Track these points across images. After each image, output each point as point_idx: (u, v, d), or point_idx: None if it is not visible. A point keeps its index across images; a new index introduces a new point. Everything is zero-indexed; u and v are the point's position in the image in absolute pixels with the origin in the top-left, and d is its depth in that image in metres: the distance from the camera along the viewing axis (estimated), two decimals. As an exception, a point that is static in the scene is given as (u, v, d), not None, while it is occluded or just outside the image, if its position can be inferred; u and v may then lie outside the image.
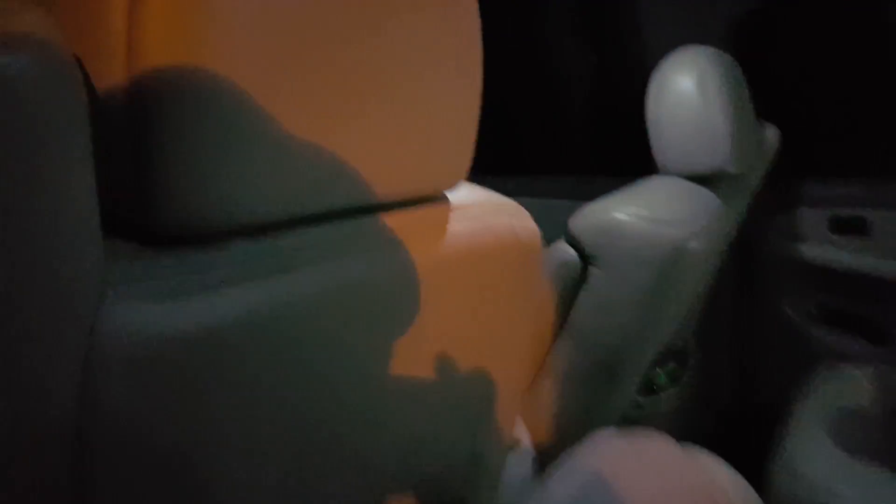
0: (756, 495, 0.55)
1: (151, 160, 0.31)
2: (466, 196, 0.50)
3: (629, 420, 1.05)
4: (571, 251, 0.99)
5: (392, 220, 0.42)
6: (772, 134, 1.22)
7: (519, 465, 0.81)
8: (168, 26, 0.30)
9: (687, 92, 1.00)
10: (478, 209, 0.49)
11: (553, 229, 1.55)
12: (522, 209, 0.54)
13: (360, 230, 0.40)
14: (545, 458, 0.81)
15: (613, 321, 0.96)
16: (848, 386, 1.10)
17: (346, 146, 0.37)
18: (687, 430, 1.01)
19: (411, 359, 0.43)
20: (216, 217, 0.33)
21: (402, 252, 0.41)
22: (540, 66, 1.65)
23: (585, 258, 0.98)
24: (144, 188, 0.31)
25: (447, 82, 0.42)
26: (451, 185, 0.46)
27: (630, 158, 1.32)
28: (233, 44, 0.31)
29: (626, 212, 0.95)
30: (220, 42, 0.31)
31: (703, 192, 1.03)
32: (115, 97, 0.31)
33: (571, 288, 0.99)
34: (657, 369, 1.10)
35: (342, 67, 0.35)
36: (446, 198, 0.48)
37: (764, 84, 1.18)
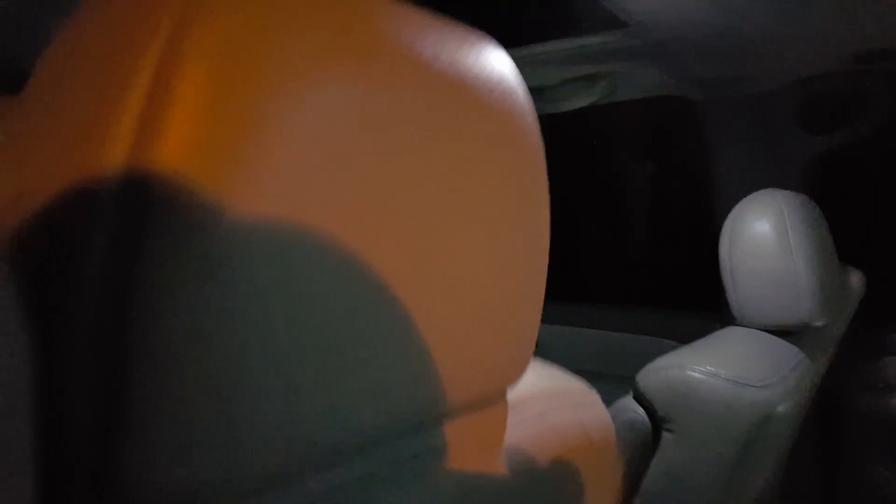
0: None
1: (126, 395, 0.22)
2: (524, 385, 0.43)
3: None
4: (640, 411, 0.89)
5: (438, 439, 0.34)
6: (856, 279, 1.13)
7: None
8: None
9: (765, 239, 0.92)
10: (540, 405, 0.41)
11: (608, 360, 1.45)
12: (591, 394, 0.47)
13: (403, 459, 0.32)
14: None
15: (690, 494, 0.84)
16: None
17: (382, 356, 0.30)
18: None
19: None
20: (223, 475, 0.24)
21: (449, 481, 0.33)
22: (604, 193, 1.61)
23: (656, 420, 0.87)
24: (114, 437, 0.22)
25: (512, 254, 0.35)
26: (513, 380, 0.39)
27: (690, 294, 1.24)
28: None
29: (702, 370, 0.85)
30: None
31: (786, 347, 0.94)
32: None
33: (641, 453, 0.88)
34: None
35: (383, 247, 0.29)
36: (504, 396, 0.41)
37: (845, 226, 1.10)
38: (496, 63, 0.36)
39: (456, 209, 0.31)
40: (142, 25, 0.23)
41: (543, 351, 1.69)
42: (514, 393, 0.41)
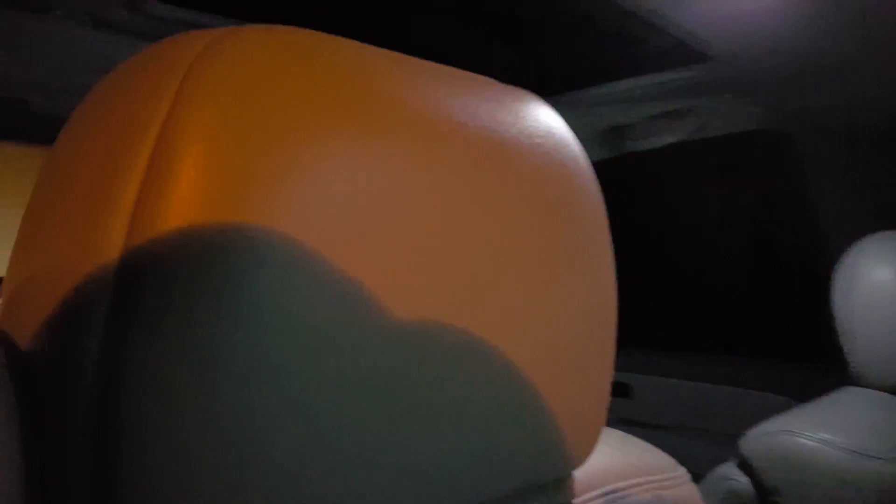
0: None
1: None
2: (596, 461, 0.38)
3: None
4: (744, 479, 0.81)
5: None
6: None
7: None
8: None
9: (888, 288, 0.83)
10: (615, 482, 0.37)
11: (709, 415, 1.34)
12: (676, 470, 0.42)
13: None
14: None
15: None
16: None
17: (436, 435, 0.27)
18: None
19: None
20: None
21: None
22: (700, 234, 1.53)
23: (763, 491, 0.79)
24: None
25: (573, 319, 0.32)
26: (580, 459, 0.35)
27: (795, 343, 1.13)
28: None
29: (816, 437, 0.76)
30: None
31: (914, 409, 0.83)
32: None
33: (747, 526, 0.80)
34: None
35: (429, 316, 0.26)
36: (569, 476, 0.36)
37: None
38: (542, 117, 0.33)
39: (505, 276, 0.28)
40: (141, 111, 0.23)
41: (638, 403, 1.60)
42: (584, 470, 0.37)
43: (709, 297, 1.55)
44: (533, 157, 0.30)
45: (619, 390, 1.68)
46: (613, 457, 0.40)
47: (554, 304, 0.30)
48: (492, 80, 0.33)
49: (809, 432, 0.77)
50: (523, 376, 0.29)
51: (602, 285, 0.34)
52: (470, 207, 0.27)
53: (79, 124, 0.26)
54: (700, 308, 1.57)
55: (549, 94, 1.31)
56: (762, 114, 1.22)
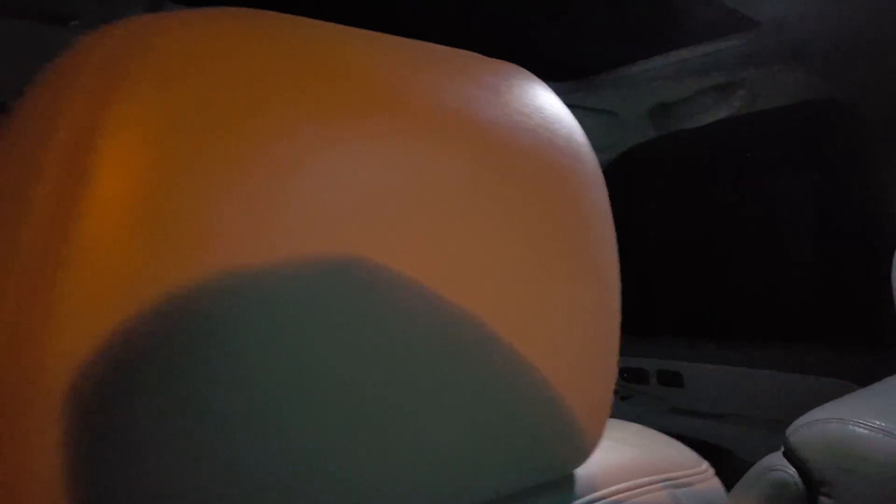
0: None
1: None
2: (608, 457, 0.36)
3: None
4: (791, 471, 0.76)
5: None
6: None
7: None
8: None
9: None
10: (626, 481, 0.34)
11: (762, 402, 1.28)
12: (699, 467, 0.39)
13: None
14: None
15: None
16: None
17: (431, 432, 0.25)
18: None
19: None
20: None
21: None
22: (753, 214, 1.46)
23: (812, 483, 0.74)
24: None
25: (570, 311, 0.29)
26: (581, 460, 0.32)
27: (856, 326, 1.06)
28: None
29: (870, 425, 0.71)
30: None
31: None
32: None
33: (794, 521, 0.75)
34: None
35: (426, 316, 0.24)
36: (571, 477, 0.34)
37: None
38: (536, 94, 0.31)
39: (503, 272, 0.26)
40: (55, 116, 0.20)
41: (690, 392, 1.54)
42: (597, 467, 0.34)
43: (765, 280, 1.47)
44: (528, 139, 0.28)
45: (670, 379, 1.62)
46: (630, 453, 0.38)
47: (555, 299, 0.28)
48: (476, 55, 0.31)
49: (863, 420, 0.71)
50: (521, 373, 0.27)
51: (605, 278, 0.31)
52: (465, 199, 0.25)
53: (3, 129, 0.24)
54: (755, 292, 1.50)
55: (593, 71, 1.27)
56: (819, 83, 1.14)
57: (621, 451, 0.37)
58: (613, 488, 0.34)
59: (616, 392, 1.49)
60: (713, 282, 1.61)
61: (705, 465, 0.40)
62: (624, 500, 0.33)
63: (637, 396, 1.70)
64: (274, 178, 0.20)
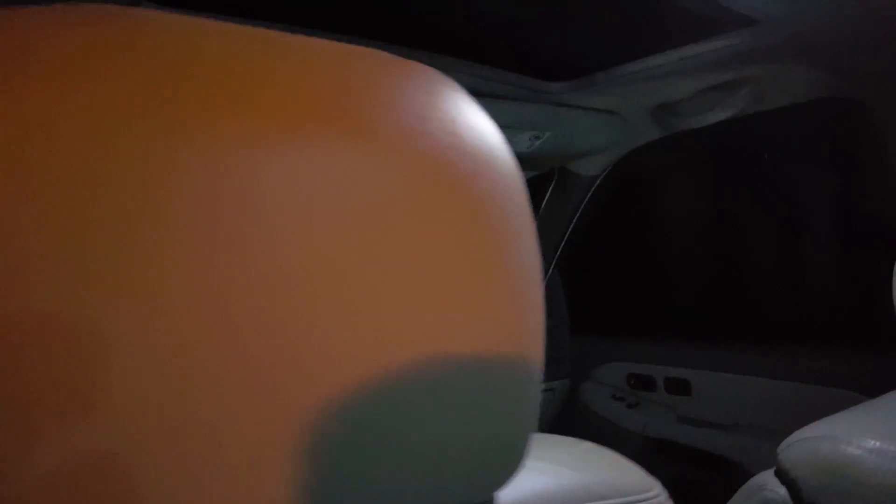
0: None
1: None
2: (545, 482, 0.33)
3: None
4: (781, 491, 0.72)
5: None
6: None
7: None
8: None
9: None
10: None
11: (776, 413, 1.23)
12: (645, 484, 0.36)
13: None
14: None
15: None
16: None
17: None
18: None
19: None
20: None
21: None
22: (759, 216, 1.41)
23: (801, 502, 0.70)
24: None
25: (482, 323, 0.27)
26: (499, 484, 0.30)
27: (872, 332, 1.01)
28: None
29: (862, 445, 0.66)
30: None
31: None
32: None
33: (784, 544, 0.71)
34: None
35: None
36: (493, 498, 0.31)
37: None
38: (447, 99, 0.28)
39: (411, 282, 0.24)
40: None
41: (698, 400, 1.49)
42: (519, 492, 0.32)
43: (777, 285, 1.42)
44: (434, 141, 0.26)
45: (678, 387, 1.58)
46: (567, 476, 0.35)
47: (472, 310, 0.26)
48: (385, 54, 0.28)
49: (857, 439, 0.67)
50: (431, 391, 0.25)
51: (521, 286, 0.28)
52: (363, 204, 0.23)
53: None
54: (766, 297, 1.45)
55: (592, 70, 1.23)
56: (825, 80, 1.09)
57: (557, 474, 0.35)
58: None
59: (622, 399, 1.44)
60: (722, 286, 1.56)
61: (657, 489, 0.37)
62: None
63: (644, 405, 1.65)
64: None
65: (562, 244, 1.84)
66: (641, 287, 1.82)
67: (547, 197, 1.79)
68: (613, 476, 0.37)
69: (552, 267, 1.87)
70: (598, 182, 1.66)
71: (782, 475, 0.72)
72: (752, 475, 0.77)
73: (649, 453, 1.60)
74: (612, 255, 1.90)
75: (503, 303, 0.28)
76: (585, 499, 0.33)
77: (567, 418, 1.85)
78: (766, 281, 1.46)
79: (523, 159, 1.48)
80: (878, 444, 0.66)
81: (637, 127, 1.38)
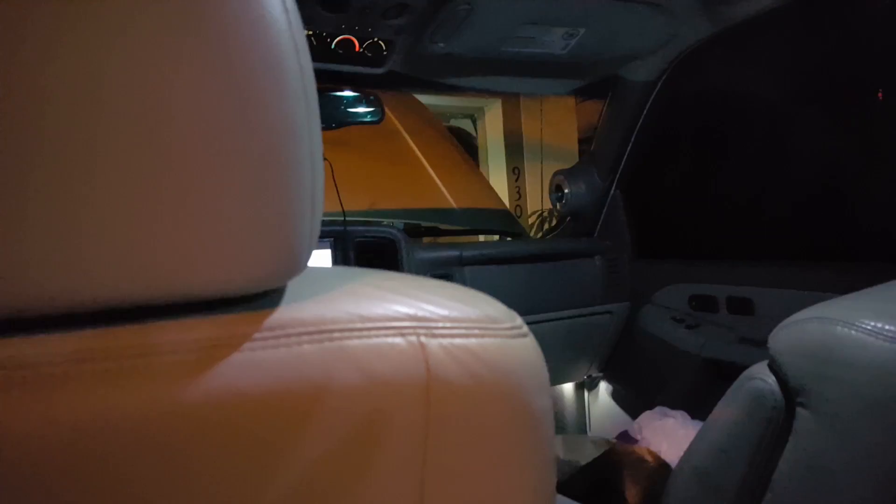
0: None
1: None
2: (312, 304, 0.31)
3: None
4: (770, 379, 0.66)
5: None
6: None
7: None
8: None
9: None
10: (341, 327, 0.29)
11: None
12: (494, 316, 0.33)
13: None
14: None
15: (835, 495, 0.60)
16: None
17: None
18: None
19: None
20: None
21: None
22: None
23: (790, 392, 0.64)
24: None
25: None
26: (244, 284, 0.29)
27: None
28: None
29: (855, 325, 0.59)
30: None
31: None
32: None
33: (772, 436, 0.65)
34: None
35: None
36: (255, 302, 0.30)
37: None
38: None
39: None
40: None
41: (760, 319, 1.38)
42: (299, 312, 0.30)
43: (842, 197, 1.28)
44: None
45: (741, 306, 1.48)
46: (387, 300, 0.32)
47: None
48: None
49: (849, 318, 0.60)
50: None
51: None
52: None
53: None
54: (832, 209, 1.31)
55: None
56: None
57: (376, 300, 0.33)
58: (341, 325, 0.30)
59: (681, 321, 1.37)
60: (786, 200, 1.43)
61: (518, 320, 0.35)
62: (352, 337, 0.29)
63: (704, 326, 1.56)
64: None
65: (622, 162, 1.75)
66: (704, 206, 1.70)
67: (604, 109, 1.70)
68: (453, 305, 0.34)
69: (613, 187, 1.78)
70: (655, 92, 1.55)
71: (771, 362, 0.66)
72: None
73: (705, 374, 1.52)
74: (673, 174, 1.79)
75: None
76: (408, 319, 0.31)
77: (626, 342, 1.80)
78: (834, 195, 1.32)
79: (566, 64, 1.40)
80: (874, 324, 0.58)
81: (686, 21, 1.26)
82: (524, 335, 0.34)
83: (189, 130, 0.25)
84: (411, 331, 0.30)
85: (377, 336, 0.30)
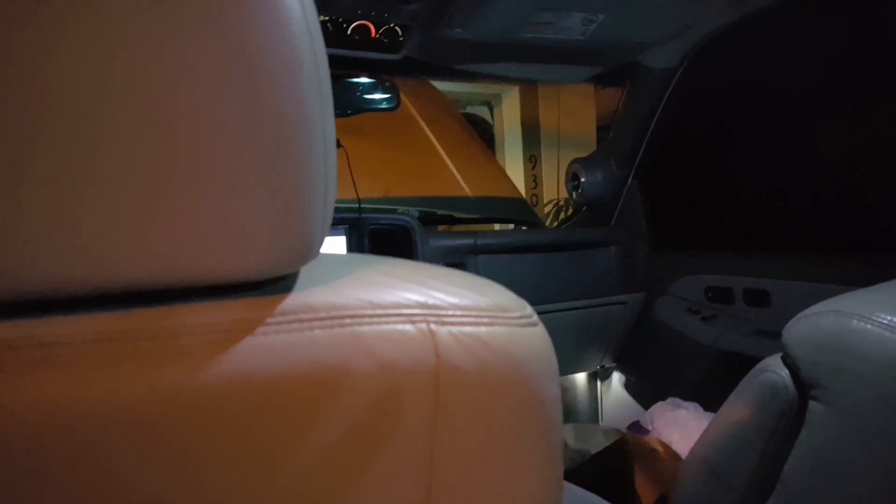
0: None
1: None
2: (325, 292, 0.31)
3: None
4: (783, 372, 0.66)
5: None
6: None
7: None
8: None
9: None
10: (353, 314, 0.30)
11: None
12: (503, 305, 0.33)
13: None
14: None
15: (846, 491, 0.59)
16: None
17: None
18: None
19: None
20: None
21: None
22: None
23: (802, 384, 0.63)
24: None
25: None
26: (255, 269, 0.29)
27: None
28: None
29: (870, 319, 0.59)
30: None
31: None
32: None
33: (784, 429, 0.65)
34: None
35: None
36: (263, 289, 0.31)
37: None
38: None
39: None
40: None
41: (777, 312, 1.37)
42: (319, 296, 0.30)
43: (859, 189, 1.26)
44: None
45: (757, 298, 1.46)
46: (406, 289, 0.33)
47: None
48: None
49: (864, 312, 0.59)
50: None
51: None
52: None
53: None
54: (849, 202, 1.29)
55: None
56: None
57: (397, 287, 0.33)
58: (358, 311, 0.30)
59: (697, 313, 1.36)
60: (806, 192, 1.41)
61: (528, 309, 0.35)
62: (364, 322, 0.30)
63: (720, 318, 1.55)
64: None
65: (640, 152, 1.73)
66: (722, 197, 1.68)
67: (622, 97, 1.68)
68: (464, 293, 0.34)
69: (630, 176, 1.77)
70: (675, 80, 1.53)
71: (785, 355, 0.66)
72: None
73: (719, 365, 1.51)
74: (692, 164, 1.76)
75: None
76: (417, 307, 0.31)
77: (640, 332, 1.79)
78: (856, 187, 1.29)
79: (585, 50, 1.39)
80: (888, 317, 0.58)
81: (708, 7, 1.24)
82: (534, 324, 0.34)
83: (203, 120, 0.26)
84: (421, 318, 0.31)
85: (387, 322, 0.30)
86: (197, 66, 0.25)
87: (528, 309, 0.35)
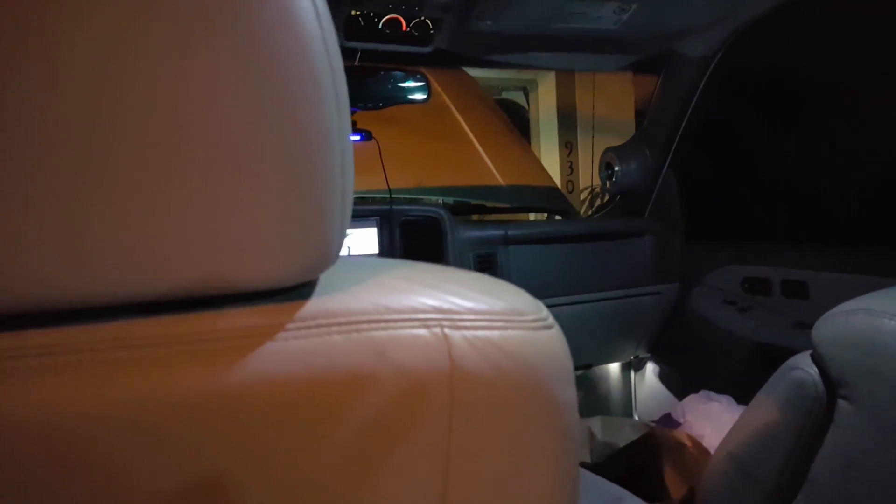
0: None
1: None
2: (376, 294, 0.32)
3: None
4: (812, 370, 0.65)
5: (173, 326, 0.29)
6: None
7: None
8: None
9: None
10: (375, 319, 0.31)
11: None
12: (518, 308, 0.33)
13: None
14: None
15: (874, 489, 0.59)
16: None
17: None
18: None
19: None
20: None
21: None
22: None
23: (831, 384, 0.63)
24: None
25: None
26: (289, 277, 0.31)
27: None
28: None
29: (901, 318, 0.58)
30: None
31: None
32: None
33: (812, 428, 0.64)
34: None
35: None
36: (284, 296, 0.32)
37: None
38: None
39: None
40: None
41: (816, 304, 1.34)
42: (337, 302, 0.31)
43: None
44: None
45: (795, 290, 1.43)
46: (416, 293, 0.34)
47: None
48: None
49: (894, 310, 0.58)
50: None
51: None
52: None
53: None
54: (890, 194, 1.25)
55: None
56: None
57: (406, 291, 0.34)
58: (373, 316, 0.31)
59: (733, 304, 1.34)
60: (847, 182, 1.37)
61: (544, 312, 0.35)
62: (379, 328, 0.31)
63: (756, 309, 1.52)
64: None
65: (675, 141, 1.70)
66: (760, 187, 1.64)
67: (657, 86, 1.65)
68: (476, 296, 0.35)
69: (665, 166, 1.74)
70: (711, 68, 1.50)
71: (814, 353, 0.65)
72: None
73: (755, 358, 1.49)
74: (728, 153, 1.73)
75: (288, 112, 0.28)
76: (432, 311, 0.32)
77: (675, 323, 1.77)
78: (889, 174, 1.25)
79: (618, 39, 1.37)
80: (921, 317, 0.57)
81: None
82: (549, 327, 0.34)
83: (223, 132, 0.27)
84: (435, 323, 0.31)
85: (402, 327, 0.31)
86: (215, 76, 0.26)
87: (544, 311, 0.35)
